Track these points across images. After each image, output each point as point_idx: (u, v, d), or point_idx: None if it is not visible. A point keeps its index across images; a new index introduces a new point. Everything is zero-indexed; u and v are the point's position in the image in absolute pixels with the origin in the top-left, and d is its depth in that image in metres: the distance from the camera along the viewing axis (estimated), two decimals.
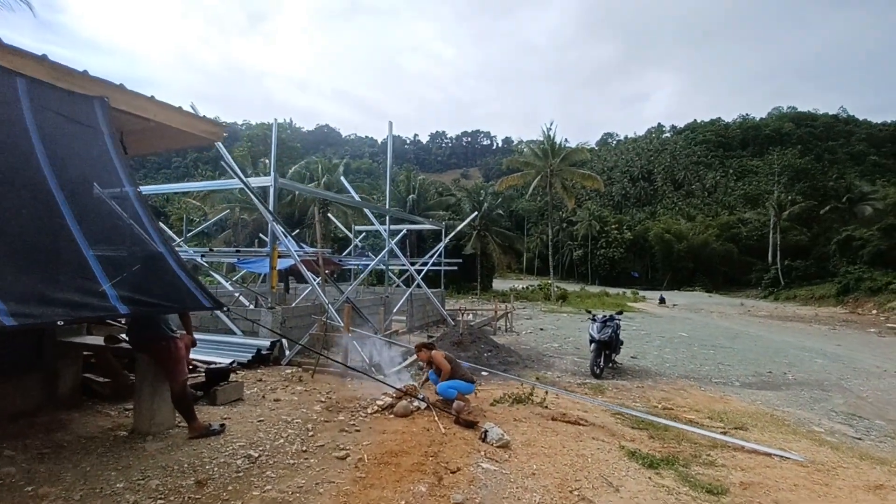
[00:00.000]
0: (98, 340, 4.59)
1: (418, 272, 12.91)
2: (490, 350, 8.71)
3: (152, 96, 4.23)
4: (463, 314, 9.68)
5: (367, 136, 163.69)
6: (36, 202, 2.94)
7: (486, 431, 4.28)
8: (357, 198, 12.85)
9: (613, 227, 68.77)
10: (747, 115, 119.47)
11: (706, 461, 4.33)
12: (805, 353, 13.23)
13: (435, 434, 4.30)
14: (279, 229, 8.18)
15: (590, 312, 9.10)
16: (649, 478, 3.76)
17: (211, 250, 9.37)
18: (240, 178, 7.88)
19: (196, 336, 8.33)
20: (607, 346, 8.29)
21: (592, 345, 8.20)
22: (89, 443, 3.70)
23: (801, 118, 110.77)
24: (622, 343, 8.97)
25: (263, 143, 46.73)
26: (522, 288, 43.10)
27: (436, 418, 4.69)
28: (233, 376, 6.35)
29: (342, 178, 14.13)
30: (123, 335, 4.21)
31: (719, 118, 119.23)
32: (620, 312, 8.77)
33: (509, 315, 14.88)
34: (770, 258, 56.35)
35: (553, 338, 13.11)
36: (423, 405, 5.05)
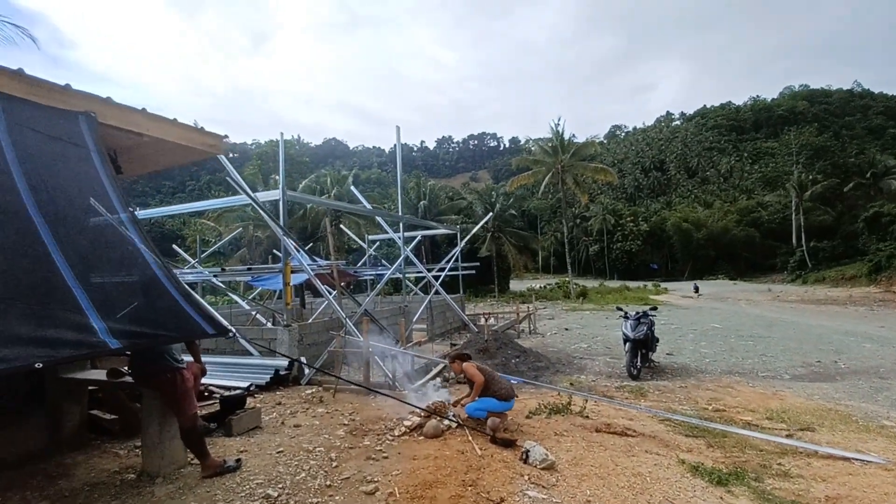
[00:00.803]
0: (104, 374, 4.29)
1: (435, 278, 12.53)
2: (517, 356, 8.25)
3: (144, 109, 3.93)
4: (486, 319, 9.22)
5: (374, 147, 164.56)
6: (12, 229, 2.63)
7: (528, 451, 3.86)
8: (368, 206, 12.56)
9: (629, 219, 67.63)
10: (758, 96, 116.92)
11: (779, 472, 3.84)
12: (849, 337, 12.48)
13: (471, 457, 3.88)
14: (290, 243, 7.87)
15: (621, 310, 8.59)
16: (720, 497, 3.29)
17: (223, 270, 9.12)
18: (247, 194, 7.60)
19: (211, 359, 8.07)
20: (643, 345, 7.77)
21: (627, 344, 7.69)
22: (94, 490, 3.37)
23: (814, 95, 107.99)
24: (658, 340, 8.44)
25: (273, 160, 47.11)
26: (540, 287, 42.46)
27: (470, 438, 4.27)
28: (250, 401, 6.04)
29: (352, 188, 13.85)
30: (127, 367, 3.89)
31: (730, 102, 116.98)
32: (654, 308, 8.24)
33: (532, 317, 14.39)
34: (794, 240, 54.70)
35: (580, 337, 12.58)
36: (455, 423, 4.64)
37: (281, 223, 7.77)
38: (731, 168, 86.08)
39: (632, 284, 46.26)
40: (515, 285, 45.78)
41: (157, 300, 2.95)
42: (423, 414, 4.79)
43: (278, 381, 7.07)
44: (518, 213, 52.82)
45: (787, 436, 4.69)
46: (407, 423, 4.68)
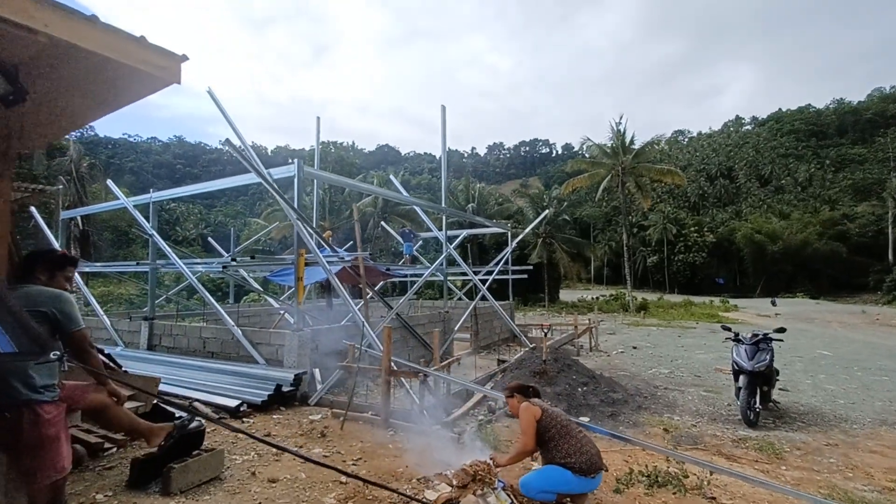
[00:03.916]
0: None
1: (482, 282, 10.84)
2: (585, 383, 6.37)
3: None
4: (547, 332, 7.33)
5: (425, 153, 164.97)
6: None
7: None
8: (405, 193, 11.04)
9: (692, 229, 62.68)
10: (843, 99, 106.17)
11: None
12: None
13: None
14: (305, 230, 6.46)
15: (728, 329, 6.50)
16: None
17: (234, 260, 7.95)
18: (255, 170, 6.28)
19: (210, 364, 6.77)
20: (765, 380, 5.68)
21: (741, 378, 5.63)
22: None
23: None
24: (778, 373, 6.28)
25: (324, 161, 47.80)
26: (592, 299, 39.70)
27: None
28: (231, 427, 4.59)
29: (391, 177, 12.51)
30: None
31: (809, 105, 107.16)
32: (782, 330, 6.10)
33: (593, 330, 12.31)
34: (891, 257, 48.31)
35: (654, 360, 10.40)
36: (507, 501, 2.94)
37: (295, 203, 6.39)
38: (810, 176, 78.28)
39: (695, 299, 42.27)
40: (565, 295, 43.09)
41: None
42: (455, 478, 3.12)
43: (280, 399, 5.64)
44: (570, 220, 50.01)
45: None
46: (430, 495, 3.02)
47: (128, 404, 3.83)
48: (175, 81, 3.40)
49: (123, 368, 5.24)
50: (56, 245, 11.12)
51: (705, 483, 3.48)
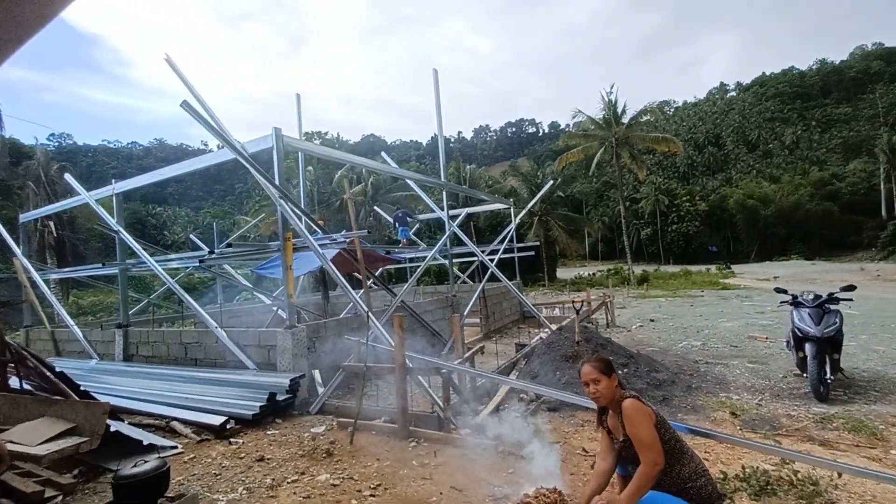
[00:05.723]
0: None
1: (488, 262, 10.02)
2: (624, 364, 5.60)
3: None
4: (581, 306, 6.47)
5: (412, 140, 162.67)
6: None
7: None
8: (393, 164, 10.01)
9: (684, 199, 62.28)
10: (825, 59, 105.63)
11: None
12: None
13: None
14: (288, 208, 5.53)
15: (784, 292, 5.73)
16: None
17: (211, 253, 7.01)
18: (227, 142, 5.33)
19: (193, 373, 5.88)
20: (835, 348, 4.93)
21: (807, 346, 4.88)
22: None
23: (891, 55, 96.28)
24: (842, 338, 5.54)
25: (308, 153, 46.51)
26: (589, 274, 39.21)
27: None
28: (214, 452, 3.73)
29: (383, 153, 11.53)
30: None
31: (792, 67, 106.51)
32: (851, 288, 5.32)
33: (608, 305, 11.59)
34: (884, 213, 48.25)
35: (680, 332, 9.70)
36: None
37: (276, 180, 5.45)
38: (797, 138, 78.17)
39: (692, 268, 41.95)
40: (562, 273, 42.51)
41: None
42: None
43: (275, 410, 4.78)
44: (564, 198, 49.28)
45: None
46: None
47: (71, 439, 2.96)
48: None
49: (82, 387, 4.35)
50: (18, 252, 10.08)
51: (831, 487, 2.71)
